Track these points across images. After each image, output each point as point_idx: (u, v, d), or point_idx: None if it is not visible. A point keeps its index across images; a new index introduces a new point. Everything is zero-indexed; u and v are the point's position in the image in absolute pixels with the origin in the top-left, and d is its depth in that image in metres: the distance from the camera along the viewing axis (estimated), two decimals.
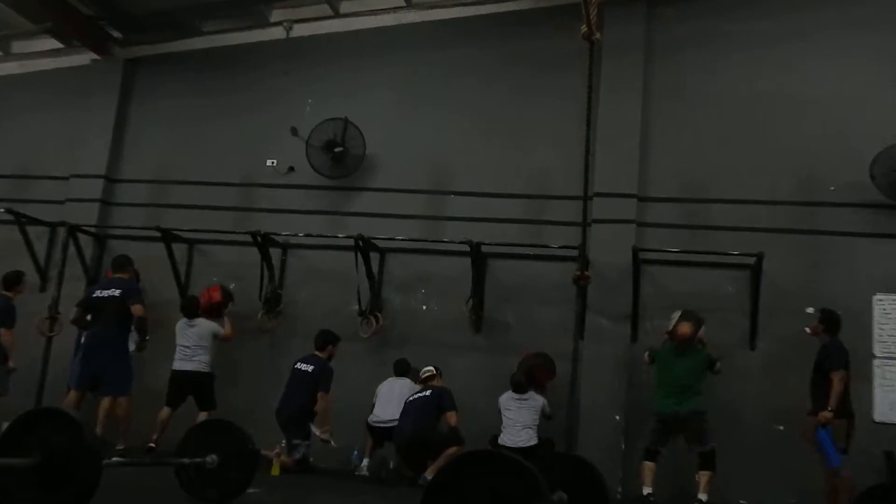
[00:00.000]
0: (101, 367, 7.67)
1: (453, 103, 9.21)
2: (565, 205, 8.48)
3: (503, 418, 7.73)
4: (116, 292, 7.76)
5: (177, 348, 8.28)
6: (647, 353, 7.52)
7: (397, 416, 7.74)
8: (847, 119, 8.18)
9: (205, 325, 8.38)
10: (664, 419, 7.14)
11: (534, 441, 7.57)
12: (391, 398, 7.95)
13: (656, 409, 7.18)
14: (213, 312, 8.68)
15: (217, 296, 8.80)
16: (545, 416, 7.80)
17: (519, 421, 7.64)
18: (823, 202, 8.17)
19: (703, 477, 7.03)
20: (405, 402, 7.71)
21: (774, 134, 8.36)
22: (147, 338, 7.89)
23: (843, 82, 8.29)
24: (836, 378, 6.59)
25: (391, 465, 7.64)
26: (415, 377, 8.12)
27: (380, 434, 7.95)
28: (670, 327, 7.26)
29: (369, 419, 8.00)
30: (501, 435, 7.65)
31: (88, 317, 8.03)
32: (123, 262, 8.20)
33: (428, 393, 7.67)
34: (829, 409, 6.56)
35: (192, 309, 8.47)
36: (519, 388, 7.77)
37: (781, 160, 8.29)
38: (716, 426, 7.27)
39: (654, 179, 8.51)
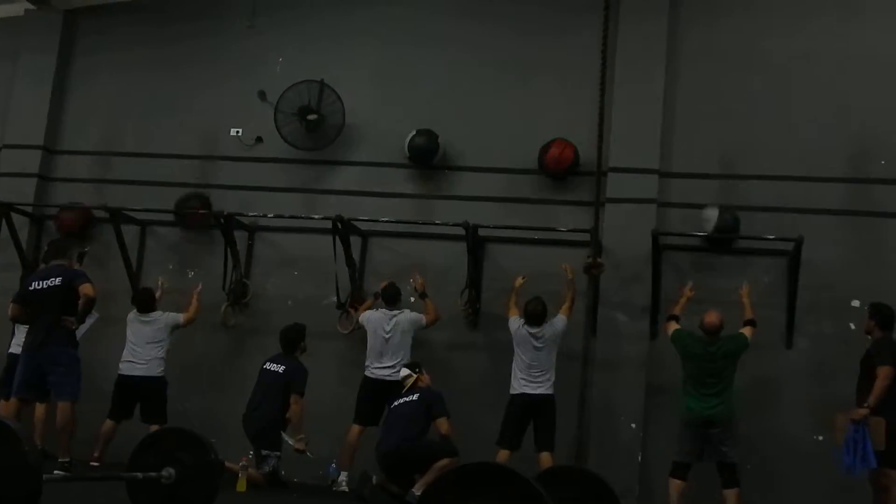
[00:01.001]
0: (46, 368, 7.64)
1: (445, 64, 9.18)
2: (576, 181, 8.52)
3: (516, 355, 7.75)
4: (58, 281, 7.64)
5: (126, 346, 8.31)
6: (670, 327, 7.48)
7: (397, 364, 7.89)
8: None
9: (161, 319, 8.41)
10: (691, 424, 7.12)
11: (551, 389, 7.65)
12: (394, 339, 8.04)
13: (683, 413, 7.17)
14: None
15: None
16: None
17: (536, 365, 7.67)
18: (873, 179, 8.19)
19: (730, 497, 7.02)
20: (389, 410, 7.75)
21: (817, 100, 8.37)
22: (83, 322, 7.71)
23: None
24: (883, 374, 6.72)
25: (374, 480, 7.69)
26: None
27: (373, 390, 7.98)
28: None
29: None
30: (514, 379, 7.68)
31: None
32: (63, 247, 8.07)
33: (414, 397, 7.66)
34: (867, 404, 6.66)
35: (146, 302, 8.50)
36: (537, 320, 7.75)
37: (825, 131, 8.30)
38: (745, 434, 7.34)
39: (678, 152, 8.51)
